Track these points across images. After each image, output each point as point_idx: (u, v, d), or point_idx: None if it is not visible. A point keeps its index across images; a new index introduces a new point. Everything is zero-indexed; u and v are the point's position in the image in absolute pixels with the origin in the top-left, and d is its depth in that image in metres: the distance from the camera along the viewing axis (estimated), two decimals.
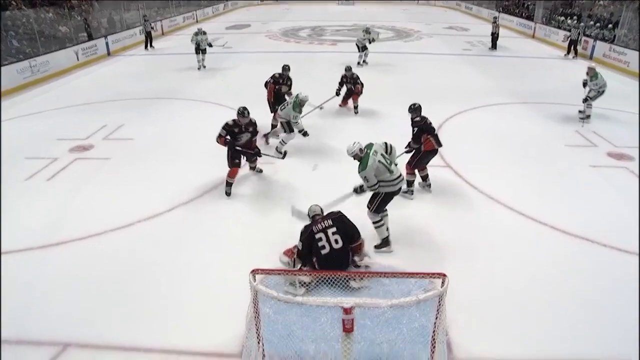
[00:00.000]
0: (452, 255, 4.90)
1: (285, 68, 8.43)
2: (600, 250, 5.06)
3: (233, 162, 6.10)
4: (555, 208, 5.86)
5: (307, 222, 4.48)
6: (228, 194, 6.19)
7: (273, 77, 8.28)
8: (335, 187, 5.25)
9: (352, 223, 4.32)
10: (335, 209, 4.52)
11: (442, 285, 3.04)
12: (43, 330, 3.91)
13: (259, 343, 3.44)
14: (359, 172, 4.76)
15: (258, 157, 6.49)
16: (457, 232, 5.36)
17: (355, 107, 9.71)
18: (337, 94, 9.62)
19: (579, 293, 4.39)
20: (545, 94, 11.00)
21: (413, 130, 5.95)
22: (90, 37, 16.20)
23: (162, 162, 7.35)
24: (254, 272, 3.12)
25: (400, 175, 4.90)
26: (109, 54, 16.31)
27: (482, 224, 5.54)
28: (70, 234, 5.31)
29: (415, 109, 5.99)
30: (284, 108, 7.42)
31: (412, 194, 6.11)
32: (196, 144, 7.74)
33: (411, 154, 6.05)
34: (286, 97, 8.20)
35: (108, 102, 10.71)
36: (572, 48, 16.00)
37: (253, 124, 6.12)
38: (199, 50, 13.59)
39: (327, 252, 4.16)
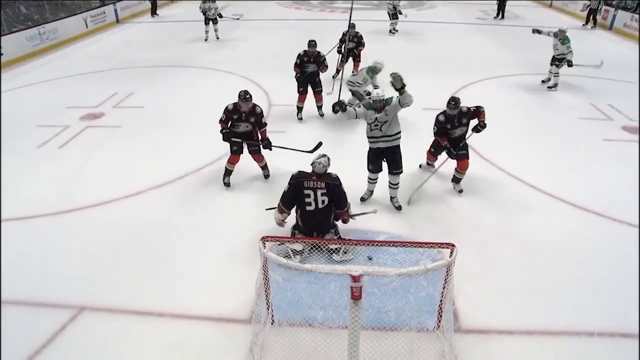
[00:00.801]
0: (460, 226, 4.90)
1: (311, 44, 7.31)
2: (610, 224, 5.02)
3: (231, 149, 5.52)
4: (566, 181, 5.81)
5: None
6: (226, 184, 5.66)
7: (298, 56, 7.36)
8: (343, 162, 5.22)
9: (344, 193, 4.30)
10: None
11: (450, 255, 3.07)
12: (59, 294, 4.01)
13: (268, 309, 3.51)
14: (389, 105, 4.82)
15: (262, 150, 5.64)
16: (466, 204, 5.35)
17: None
18: (339, 52, 9.08)
19: (587, 266, 4.39)
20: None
21: (473, 112, 5.31)
22: (103, 2, 15.89)
23: (172, 129, 7.35)
24: (264, 239, 3.16)
25: None
26: (117, 21, 16.10)
27: (491, 196, 5.51)
28: (83, 200, 5.38)
29: (458, 101, 5.28)
30: (356, 78, 7.38)
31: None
32: (207, 112, 7.66)
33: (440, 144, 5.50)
34: (320, 74, 7.52)
35: (118, 70, 10.66)
36: (591, 18, 15.48)
37: (257, 115, 5.38)
38: (208, 19, 13.02)
39: (312, 209, 4.22)
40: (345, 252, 4.25)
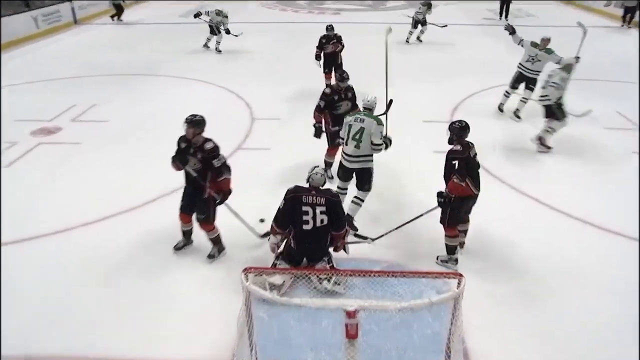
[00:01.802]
0: (466, 252, 4.95)
1: (339, 79, 6.29)
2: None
3: (180, 204, 4.79)
4: (592, 199, 5.89)
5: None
6: (177, 247, 4.99)
7: (322, 96, 6.26)
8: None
9: (344, 213, 4.49)
10: None
11: (458, 287, 3.09)
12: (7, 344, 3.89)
13: (251, 351, 3.52)
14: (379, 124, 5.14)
15: (214, 219, 4.75)
16: (473, 225, 5.12)
17: None
18: (317, 58, 9.10)
19: (610, 293, 4.43)
20: (581, 69, 10.89)
21: (448, 164, 4.49)
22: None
23: (141, 147, 7.38)
24: (246, 270, 3.18)
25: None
26: (75, 21, 16.15)
27: (502, 217, 5.50)
28: (32, 230, 5.33)
29: (462, 128, 4.49)
30: (547, 87, 6.94)
31: (456, 263, 4.82)
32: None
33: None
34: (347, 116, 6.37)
35: (77, 77, 10.70)
36: (627, 16, 15.86)
37: (204, 151, 4.47)
38: (218, 30, 12.65)
39: (309, 228, 4.31)
40: (338, 284, 4.30)
